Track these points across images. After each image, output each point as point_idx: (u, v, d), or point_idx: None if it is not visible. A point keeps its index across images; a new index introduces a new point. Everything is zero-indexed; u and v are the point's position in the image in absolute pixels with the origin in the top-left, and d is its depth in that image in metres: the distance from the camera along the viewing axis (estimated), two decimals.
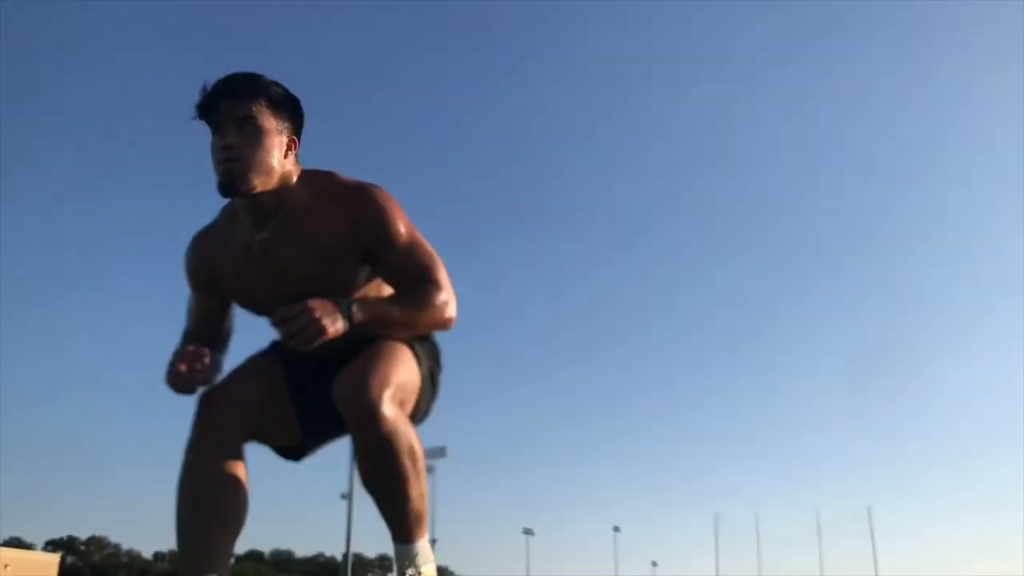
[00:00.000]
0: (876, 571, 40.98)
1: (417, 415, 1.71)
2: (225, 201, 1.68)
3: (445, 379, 1.85)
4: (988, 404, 70.66)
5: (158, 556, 60.21)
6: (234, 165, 1.53)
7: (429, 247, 1.69)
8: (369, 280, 1.71)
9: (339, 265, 1.63)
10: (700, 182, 75.49)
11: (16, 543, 48.72)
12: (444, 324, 1.68)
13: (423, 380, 1.69)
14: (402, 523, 1.60)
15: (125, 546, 59.82)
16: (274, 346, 1.81)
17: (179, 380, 1.55)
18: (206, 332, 1.79)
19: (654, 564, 53.19)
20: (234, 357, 1.84)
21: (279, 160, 1.58)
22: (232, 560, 1.70)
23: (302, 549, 66.46)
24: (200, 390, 1.63)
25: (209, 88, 1.56)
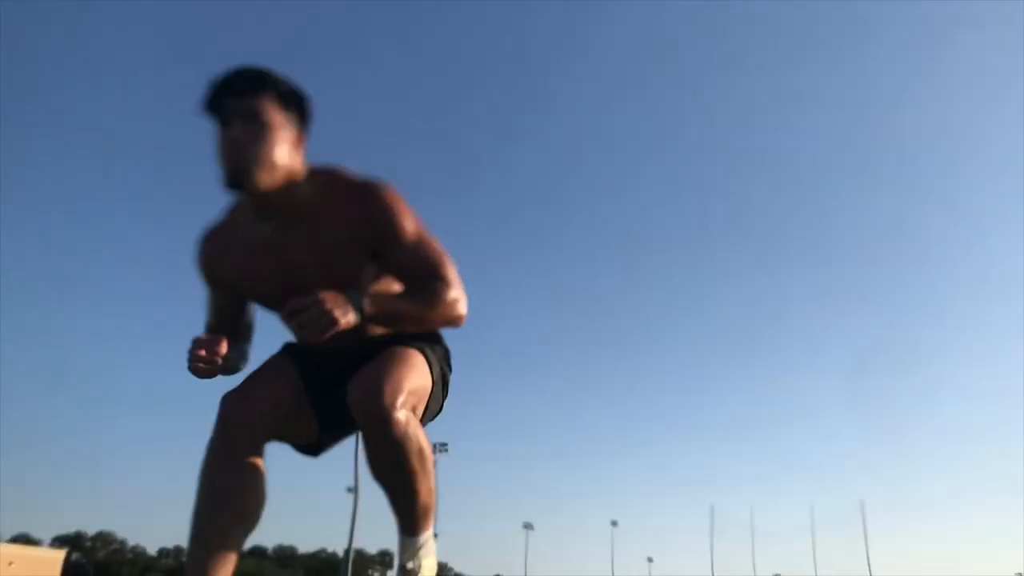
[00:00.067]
0: (869, 564, 40.97)
1: (428, 416, 1.72)
2: (231, 197, 1.67)
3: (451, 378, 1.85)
4: (983, 402, 70.68)
5: (163, 552, 60.45)
6: (240, 160, 1.52)
7: (438, 244, 1.68)
8: (378, 277, 1.70)
9: (346, 261, 1.63)
10: (701, 181, 75.29)
11: (24, 539, 48.95)
12: (455, 321, 1.67)
13: (435, 384, 1.69)
14: (408, 517, 1.64)
15: (131, 542, 60.09)
16: (288, 347, 1.81)
17: (199, 366, 1.55)
18: (225, 326, 1.77)
19: (650, 560, 53.28)
20: (254, 356, 1.85)
21: (286, 155, 1.57)
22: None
23: (305, 545, 66.65)
24: (222, 376, 1.64)
25: (216, 82, 1.55)
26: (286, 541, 65.54)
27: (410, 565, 1.66)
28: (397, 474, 1.55)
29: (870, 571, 40.76)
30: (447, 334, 1.85)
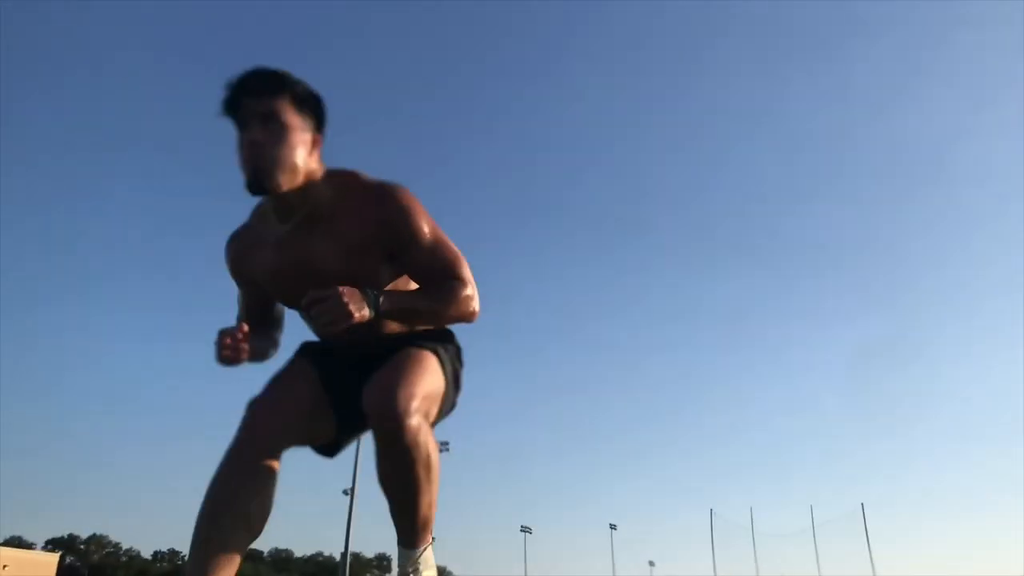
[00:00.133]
0: (872, 567, 40.97)
1: (442, 414, 1.75)
2: (253, 199, 1.69)
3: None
4: (984, 403, 70.82)
5: (157, 556, 60.27)
6: (261, 163, 1.54)
7: (452, 245, 1.71)
8: (394, 277, 1.72)
9: (363, 262, 1.65)
10: (700, 180, 75.52)
11: (17, 542, 48.75)
12: (469, 317, 1.71)
13: (447, 384, 1.72)
14: (408, 529, 1.64)
15: (125, 545, 59.90)
16: (305, 347, 1.83)
17: (226, 354, 1.56)
18: (254, 319, 1.82)
19: (651, 564, 53.22)
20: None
21: (304, 158, 1.60)
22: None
23: (301, 548, 66.56)
24: (248, 363, 1.65)
25: (233, 84, 1.56)
26: (282, 544, 65.55)
27: None
28: (402, 482, 1.55)
29: (874, 572, 40.79)
30: (458, 329, 1.87)
